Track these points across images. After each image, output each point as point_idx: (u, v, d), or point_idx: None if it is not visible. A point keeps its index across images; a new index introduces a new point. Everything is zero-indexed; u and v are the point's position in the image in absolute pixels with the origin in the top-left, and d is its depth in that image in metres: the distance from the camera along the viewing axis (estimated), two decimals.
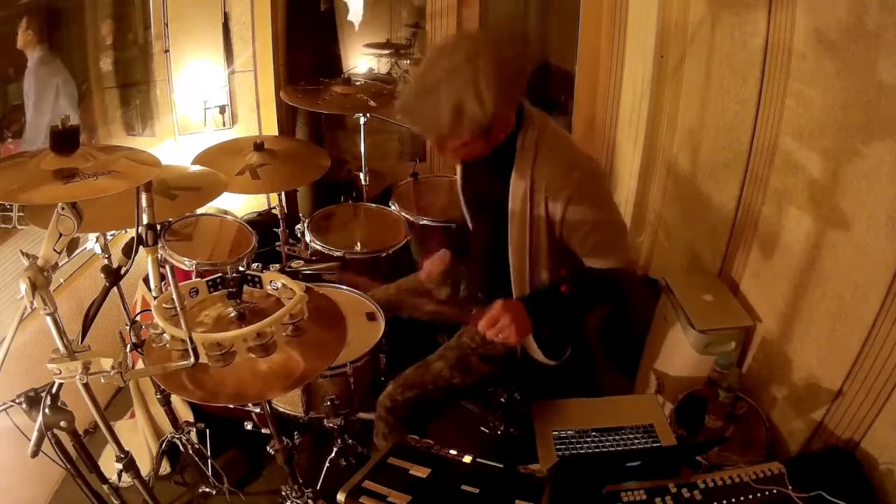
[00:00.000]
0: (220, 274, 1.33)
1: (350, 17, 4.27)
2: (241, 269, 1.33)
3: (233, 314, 1.28)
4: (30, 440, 1.07)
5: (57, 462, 1.16)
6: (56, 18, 2.21)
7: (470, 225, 1.67)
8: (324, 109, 2.44)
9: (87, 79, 2.46)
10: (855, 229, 1.39)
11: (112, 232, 1.69)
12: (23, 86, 2.07)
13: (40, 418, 1.05)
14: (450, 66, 1.18)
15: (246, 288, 1.33)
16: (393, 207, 2.48)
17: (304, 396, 1.59)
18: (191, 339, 1.04)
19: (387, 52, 4.68)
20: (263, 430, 1.74)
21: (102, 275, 1.11)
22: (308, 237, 2.24)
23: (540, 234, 1.41)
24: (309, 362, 1.21)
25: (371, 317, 1.71)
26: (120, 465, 1.29)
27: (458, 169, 1.58)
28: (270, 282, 1.34)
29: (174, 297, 1.02)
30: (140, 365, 1.37)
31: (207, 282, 1.32)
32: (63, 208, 0.93)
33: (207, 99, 2.86)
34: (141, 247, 1.06)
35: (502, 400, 1.88)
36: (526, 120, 1.37)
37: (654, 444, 1.54)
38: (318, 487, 1.73)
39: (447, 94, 1.17)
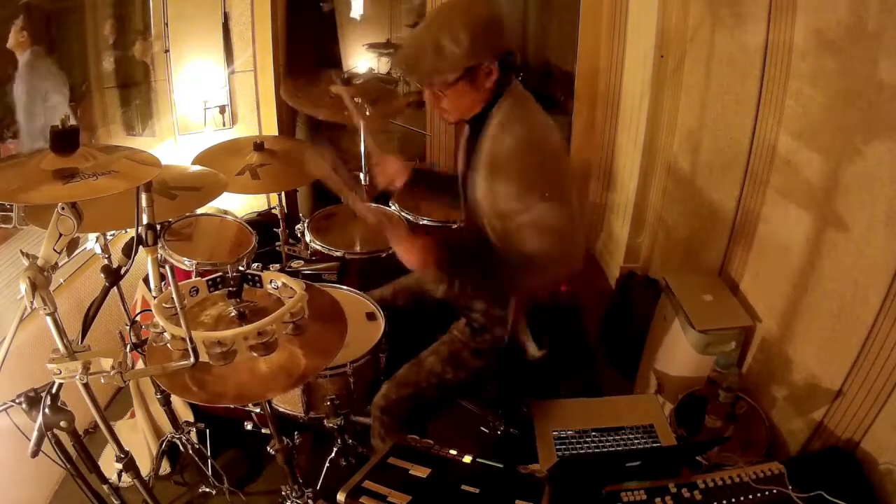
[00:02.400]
0: (220, 273, 1.33)
1: (352, 14, 4.26)
2: (241, 268, 1.33)
3: (233, 313, 1.28)
4: (30, 440, 1.07)
5: (57, 462, 1.15)
6: (54, 19, 2.20)
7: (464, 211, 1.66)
8: (323, 116, 2.43)
9: (86, 79, 2.46)
10: (855, 229, 1.39)
11: (112, 232, 1.69)
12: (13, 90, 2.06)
13: (40, 418, 1.05)
14: (430, 20, 1.38)
15: (246, 287, 1.33)
16: (393, 207, 2.48)
17: (304, 396, 1.59)
18: (191, 338, 1.04)
19: (387, 52, 4.68)
20: (263, 430, 1.74)
21: (102, 275, 1.11)
22: (308, 237, 2.24)
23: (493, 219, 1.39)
24: (309, 361, 1.21)
25: (371, 317, 1.71)
26: (120, 465, 1.29)
27: (461, 159, 1.57)
28: (271, 281, 1.34)
29: (174, 296, 1.02)
30: (140, 365, 1.37)
31: (207, 281, 1.32)
32: (63, 208, 0.93)
33: (207, 99, 2.86)
34: (141, 247, 1.06)
35: (502, 400, 1.88)
36: (506, 95, 1.38)
37: (654, 444, 1.54)
38: (318, 487, 1.73)
39: (427, 39, 1.32)
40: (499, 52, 1.33)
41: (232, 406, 1.75)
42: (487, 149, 1.36)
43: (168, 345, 1.14)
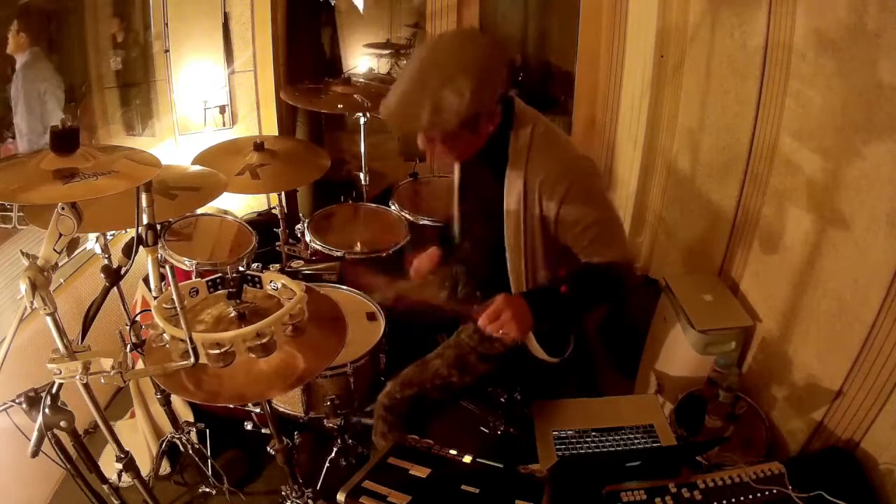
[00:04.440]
0: (220, 274, 1.33)
1: (355, 2, 4.27)
2: (240, 269, 1.33)
3: (233, 314, 1.28)
4: (30, 440, 1.07)
5: (57, 462, 1.15)
6: (53, 19, 2.20)
7: (458, 224, 1.67)
8: (323, 109, 2.45)
9: (87, 79, 2.46)
10: (855, 229, 1.39)
11: (112, 232, 1.69)
12: (10, 90, 2.06)
13: (40, 418, 1.05)
14: (425, 69, 1.23)
15: (246, 288, 1.33)
16: (393, 207, 2.48)
17: (304, 396, 1.59)
18: (191, 339, 1.04)
19: (387, 52, 4.68)
20: (263, 430, 1.74)
21: (102, 275, 1.11)
22: (308, 237, 2.24)
23: (535, 233, 1.41)
24: (309, 362, 1.21)
25: (371, 317, 1.71)
26: (120, 465, 1.29)
27: (456, 168, 1.58)
28: (270, 282, 1.34)
29: (174, 297, 1.02)
30: (140, 365, 1.37)
31: (207, 282, 1.32)
32: (63, 208, 0.93)
33: (207, 99, 2.86)
34: (141, 247, 1.06)
35: (502, 400, 1.88)
36: (517, 118, 1.38)
37: (654, 444, 1.54)
38: (318, 487, 1.73)
39: (425, 92, 1.21)
40: (501, 93, 1.29)
41: (232, 406, 1.75)
42: (542, 178, 1.34)
43: (167, 345, 1.14)
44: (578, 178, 1.36)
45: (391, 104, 1.28)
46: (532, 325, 1.33)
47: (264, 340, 1.15)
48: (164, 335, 1.16)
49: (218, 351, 1.10)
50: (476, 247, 1.62)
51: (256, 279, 1.33)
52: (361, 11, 4.12)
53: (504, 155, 1.38)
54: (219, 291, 1.33)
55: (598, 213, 1.37)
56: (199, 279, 1.34)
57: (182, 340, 1.06)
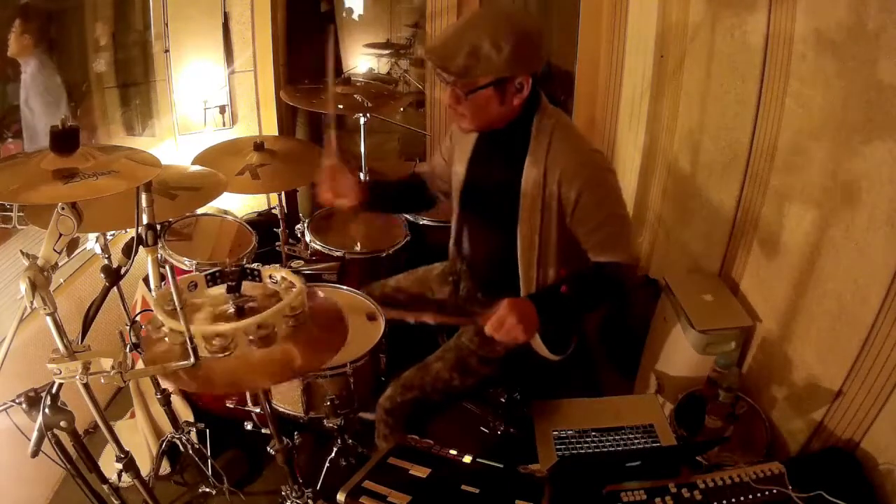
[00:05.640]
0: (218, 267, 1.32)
1: (353, 16, 4.30)
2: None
3: (231, 310, 1.28)
4: (30, 440, 1.07)
5: (57, 462, 1.16)
6: (54, 19, 2.20)
7: (459, 223, 1.66)
8: (323, 109, 2.44)
9: (87, 79, 2.46)
10: (855, 229, 1.39)
11: (112, 232, 1.69)
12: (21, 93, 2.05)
13: (40, 418, 1.05)
14: (475, 19, 1.34)
15: (246, 283, 1.33)
16: None
17: (304, 396, 1.59)
18: (191, 339, 1.04)
19: (387, 52, 4.69)
20: (263, 430, 1.74)
21: (102, 275, 1.11)
22: (308, 237, 2.24)
23: (551, 220, 1.41)
24: (307, 358, 1.21)
25: (371, 317, 1.71)
26: (120, 465, 1.29)
27: (463, 165, 1.57)
28: (270, 276, 1.33)
29: (174, 297, 1.02)
30: (140, 365, 1.37)
31: (206, 275, 1.31)
32: (63, 208, 0.93)
33: (207, 99, 2.86)
34: (141, 247, 1.06)
35: (502, 400, 1.88)
36: (543, 108, 1.41)
37: (654, 444, 1.54)
38: (318, 487, 1.73)
39: (468, 37, 1.27)
40: (535, 70, 1.33)
41: (232, 405, 1.75)
42: (561, 169, 1.36)
43: (167, 338, 1.14)
44: (597, 173, 1.39)
45: (435, 40, 1.37)
46: (538, 327, 1.33)
47: (265, 333, 1.14)
48: (163, 328, 1.15)
49: (217, 345, 1.10)
50: (481, 247, 1.62)
51: (256, 272, 1.33)
52: (356, 18, 4.14)
53: (523, 141, 1.40)
54: (218, 285, 1.32)
55: (609, 210, 1.38)
56: (197, 272, 1.34)
57: (181, 334, 1.05)
